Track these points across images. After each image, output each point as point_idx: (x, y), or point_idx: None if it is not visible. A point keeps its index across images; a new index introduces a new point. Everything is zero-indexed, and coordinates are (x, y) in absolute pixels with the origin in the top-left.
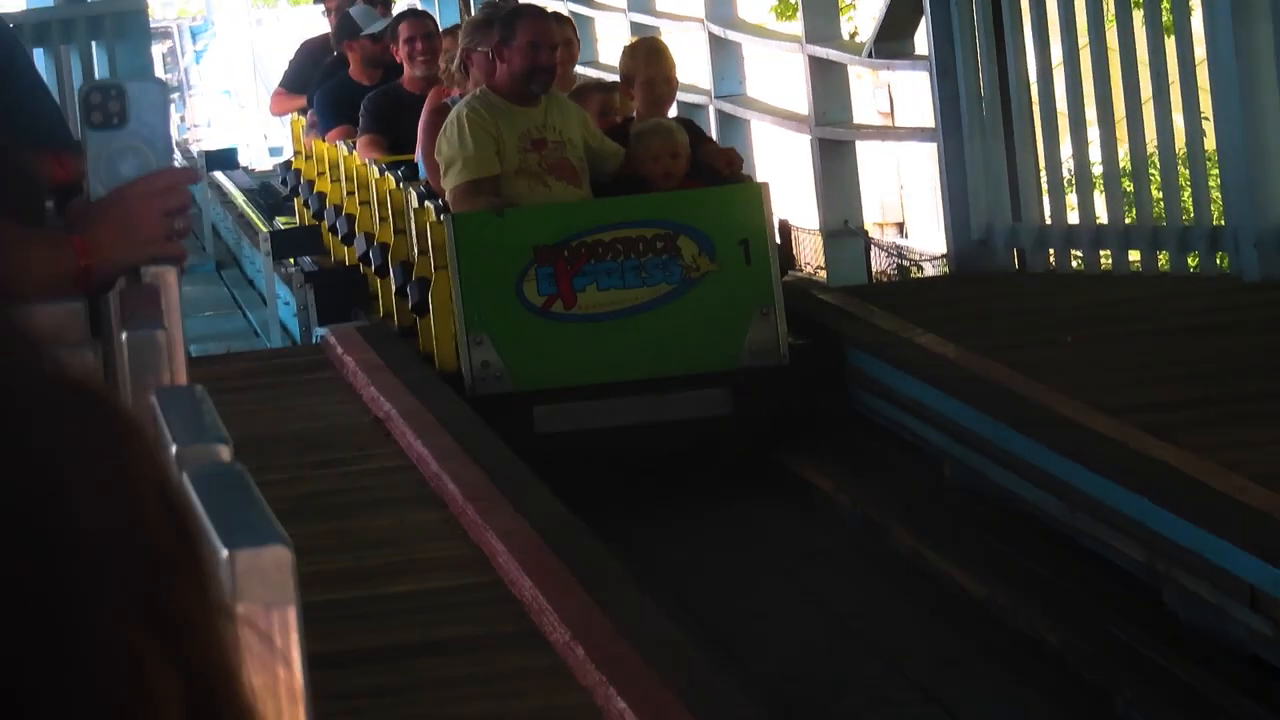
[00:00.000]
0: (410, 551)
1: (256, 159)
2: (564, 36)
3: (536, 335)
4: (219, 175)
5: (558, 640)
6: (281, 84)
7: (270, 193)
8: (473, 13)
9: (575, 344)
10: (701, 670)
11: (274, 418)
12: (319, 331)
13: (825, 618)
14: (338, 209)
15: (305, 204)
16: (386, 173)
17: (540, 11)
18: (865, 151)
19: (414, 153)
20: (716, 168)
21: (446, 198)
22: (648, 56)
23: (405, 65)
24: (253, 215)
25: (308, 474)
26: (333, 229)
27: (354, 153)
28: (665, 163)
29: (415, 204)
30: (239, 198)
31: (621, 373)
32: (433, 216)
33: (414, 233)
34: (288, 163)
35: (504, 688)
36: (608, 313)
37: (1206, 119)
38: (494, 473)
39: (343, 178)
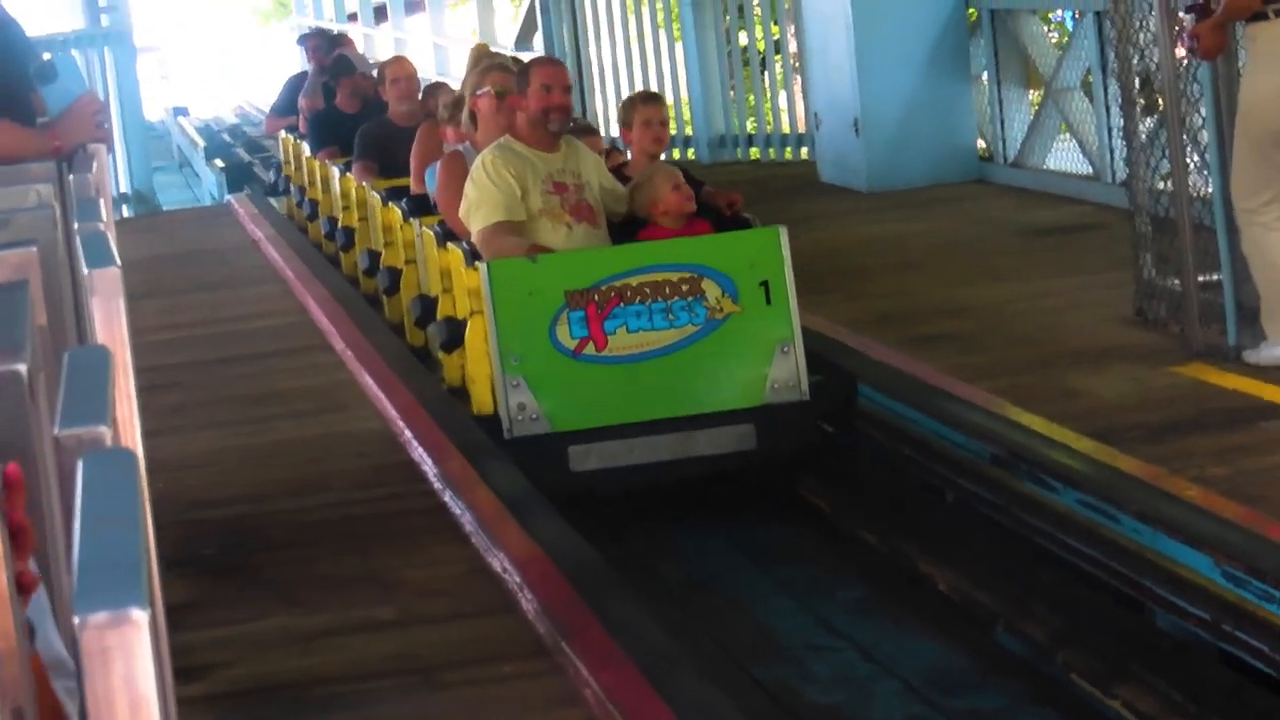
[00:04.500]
0: (262, 306)
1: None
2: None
3: (570, 377)
4: (180, 118)
5: (340, 349)
6: (272, 109)
7: (210, 131)
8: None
9: (607, 385)
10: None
11: (199, 240)
12: (227, 197)
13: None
14: (332, 220)
15: (297, 205)
16: (391, 204)
17: (550, 59)
18: None
19: (401, 176)
20: (718, 208)
21: (473, 239)
22: (644, 99)
23: (392, 102)
24: (198, 139)
25: (211, 270)
26: (329, 236)
27: (347, 174)
28: (685, 191)
29: (436, 245)
30: (191, 130)
31: (651, 411)
32: (460, 261)
33: (426, 266)
34: (278, 165)
35: (307, 372)
36: (637, 354)
37: None
38: (312, 265)
39: (336, 193)
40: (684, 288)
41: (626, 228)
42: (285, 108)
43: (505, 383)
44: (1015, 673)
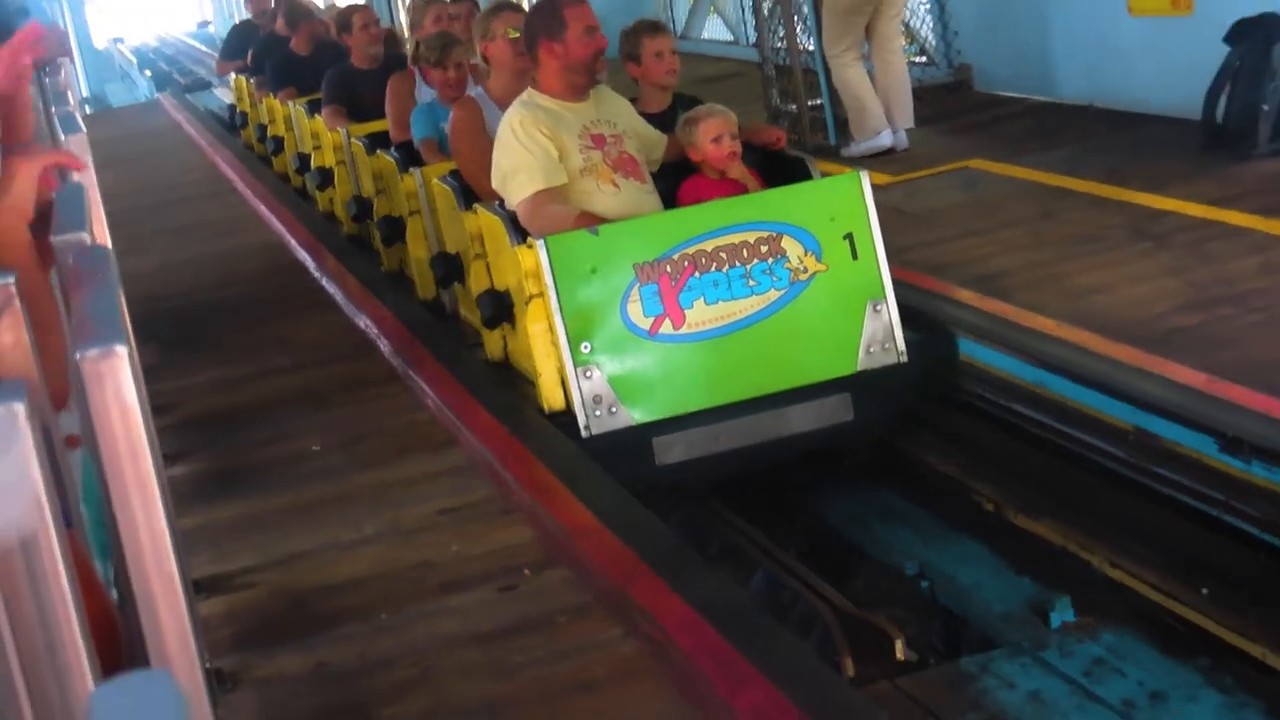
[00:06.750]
0: (186, 166)
1: (137, 34)
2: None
3: (648, 361)
4: (118, 44)
5: (242, 190)
6: (221, 55)
7: (140, 52)
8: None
9: (689, 366)
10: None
11: (139, 125)
12: (155, 95)
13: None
14: (303, 157)
15: (259, 140)
16: (380, 152)
17: None
18: None
19: (366, 121)
20: (763, 145)
21: (516, 213)
22: (650, 29)
23: (361, 46)
24: (132, 58)
25: (148, 143)
26: (300, 171)
27: (316, 116)
28: (728, 144)
29: (456, 202)
30: (127, 52)
31: (739, 391)
32: (501, 230)
33: (439, 221)
34: (231, 107)
35: (220, 207)
36: (719, 328)
37: None
38: (219, 137)
39: (305, 132)
40: (763, 249)
41: (664, 180)
42: (233, 52)
43: (577, 375)
44: None
